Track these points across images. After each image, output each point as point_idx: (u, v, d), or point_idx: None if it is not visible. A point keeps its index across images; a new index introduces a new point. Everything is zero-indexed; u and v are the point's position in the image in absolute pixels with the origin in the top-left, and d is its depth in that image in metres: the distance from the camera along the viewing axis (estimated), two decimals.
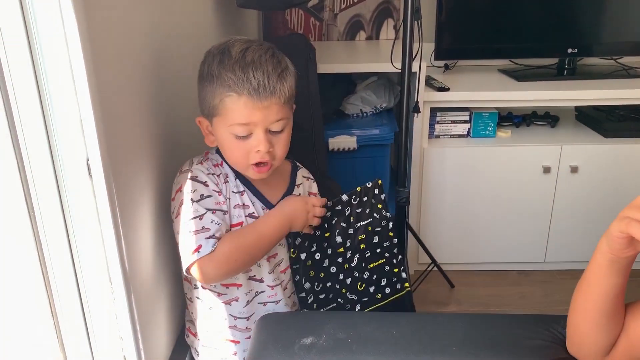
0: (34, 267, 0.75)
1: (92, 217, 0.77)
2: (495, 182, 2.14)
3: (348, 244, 1.14)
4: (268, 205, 1.08)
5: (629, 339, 0.79)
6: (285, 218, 1.04)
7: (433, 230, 2.21)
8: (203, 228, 0.95)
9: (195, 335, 1.12)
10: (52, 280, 0.77)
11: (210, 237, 0.95)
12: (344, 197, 1.12)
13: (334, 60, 2.09)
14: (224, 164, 1.06)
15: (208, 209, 0.97)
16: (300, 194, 1.15)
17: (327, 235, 1.13)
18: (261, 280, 1.09)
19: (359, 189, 1.10)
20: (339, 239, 1.13)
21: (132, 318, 0.84)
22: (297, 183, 1.16)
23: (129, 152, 0.89)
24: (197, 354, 1.12)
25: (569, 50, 2.18)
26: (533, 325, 0.91)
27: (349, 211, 1.13)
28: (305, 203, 1.07)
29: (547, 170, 2.09)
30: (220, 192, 1.01)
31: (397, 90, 2.24)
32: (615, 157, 2.08)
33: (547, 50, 2.24)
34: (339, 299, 1.12)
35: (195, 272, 0.95)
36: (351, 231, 1.14)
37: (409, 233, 2.00)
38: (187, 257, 0.95)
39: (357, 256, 1.14)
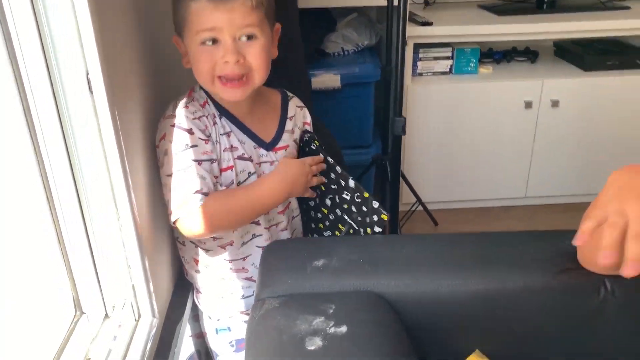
0: (37, 189, 0.71)
1: (94, 138, 0.72)
2: (478, 119, 2.14)
3: (331, 216, 1.11)
4: (260, 143, 1.02)
5: None
6: (286, 185, 0.99)
7: (417, 169, 2.21)
8: (188, 182, 0.90)
9: (195, 274, 1.09)
10: (57, 204, 0.73)
11: (196, 192, 0.90)
12: (351, 183, 1.05)
13: None
14: (210, 102, 0.99)
15: (194, 160, 0.91)
16: (292, 129, 1.09)
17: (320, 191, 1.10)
18: (257, 223, 1.05)
19: (366, 195, 1.03)
20: (328, 202, 1.10)
21: (140, 246, 0.81)
22: (289, 115, 1.09)
23: (126, 65, 0.83)
24: (198, 292, 1.10)
25: None
26: (541, 240, 0.92)
27: (348, 197, 1.06)
28: (303, 165, 1.02)
29: (528, 105, 2.10)
30: (207, 139, 0.94)
31: (378, 27, 2.20)
32: (595, 91, 2.10)
33: None
34: None
35: (180, 227, 0.91)
36: (338, 212, 1.10)
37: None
38: (173, 211, 0.91)
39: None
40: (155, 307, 0.89)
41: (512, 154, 2.20)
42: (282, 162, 1.02)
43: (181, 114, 0.93)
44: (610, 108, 2.12)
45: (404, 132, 1.32)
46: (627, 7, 2.15)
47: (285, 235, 1.11)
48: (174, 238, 1.08)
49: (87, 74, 0.69)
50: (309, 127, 1.14)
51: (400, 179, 2.09)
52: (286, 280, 0.87)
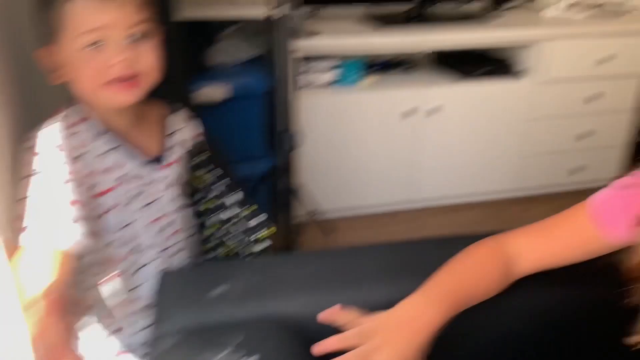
0: None
1: None
2: (364, 128, 2.19)
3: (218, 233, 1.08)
4: (148, 159, 0.95)
5: (541, 258, 0.81)
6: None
7: (308, 179, 2.20)
8: (26, 215, 0.80)
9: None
10: None
11: (24, 229, 0.80)
12: (237, 198, 1.01)
13: (194, 4, 1.95)
14: (85, 120, 0.89)
15: (38, 192, 0.81)
16: (181, 142, 1.02)
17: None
18: (147, 248, 0.97)
19: (250, 210, 0.99)
20: (214, 219, 1.06)
21: None
22: (177, 128, 1.03)
23: None
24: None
25: None
26: (439, 247, 0.94)
27: (234, 213, 1.03)
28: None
29: (410, 112, 2.19)
30: (71, 163, 0.84)
31: (262, 39, 2.17)
32: (471, 97, 2.24)
33: None
34: None
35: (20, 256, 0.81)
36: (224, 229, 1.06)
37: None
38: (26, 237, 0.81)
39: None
40: None
41: (398, 159, 2.28)
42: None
43: (42, 137, 0.83)
44: (486, 113, 2.27)
45: (293, 147, 1.30)
46: (490, 20, 2.32)
47: (181, 258, 1.04)
48: None
49: None
50: (199, 139, 1.09)
51: (294, 190, 2.08)
52: (185, 313, 0.81)
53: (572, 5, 2.48)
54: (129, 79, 0.84)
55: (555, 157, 2.45)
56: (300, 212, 2.20)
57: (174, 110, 1.05)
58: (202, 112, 1.83)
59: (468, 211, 2.41)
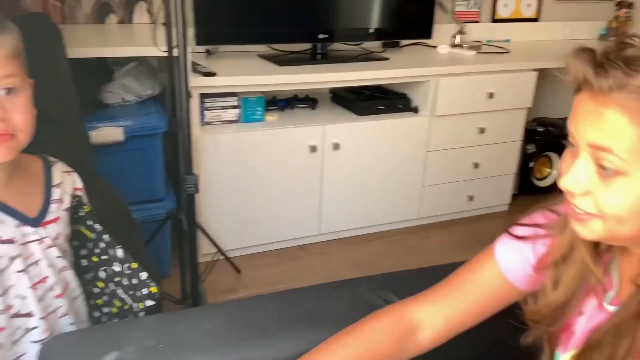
0: None
1: None
2: (268, 164, 2.19)
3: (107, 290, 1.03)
4: (24, 219, 0.88)
5: (449, 322, 0.78)
6: None
7: (213, 218, 2.16)
8: None
9: None
10: None
11: None
12: (119, 253, 0.98)
13: (85, 44, 1.87)
14: None
15: None
16: (61, 197, 0.96)
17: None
18: (30, 315, 0.90)
19: (135, 265, 0.96)
20: (102, 274, 1.01)
21: None
22: (54, 183, 0.97)
23: None
24: None
25: (320, 36, 2.35)
26: (340, 291, 0.95)
27: (120, 269, 0.99)
28: None
29: (313, 149, 2.23)
30: None
31: (160, 76, 2.12)
32: (368, 132, 2.32)
33: (301, 36, 2.37)
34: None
35: None
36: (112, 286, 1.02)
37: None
38: None
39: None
40: None
41: (303, 194, 2.30)
42: None
43: None
44: (382, 146, 2.36)
45: (196, 190, 1.27)
46: (387, 58, 2.43)
47: (67, 321, 0.97)
48: None
49: None
50: (80, 193, 1.03)
51: (198, 230, 2.03)
52: None
53: (458, 45, 2.67)
54: (1, 135, 0.78)
55: (453, 185, 2.59)
56: (206, 251, 2.15)
57: (51, 164, 0.98)
58: (98, 152, 1.77)
59: (374, 240, 2.47)
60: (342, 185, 2.34)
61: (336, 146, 2.26)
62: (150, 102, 2.02)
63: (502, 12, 2.94)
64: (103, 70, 2.02)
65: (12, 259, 0.86)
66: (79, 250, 1.04)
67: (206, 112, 2.11)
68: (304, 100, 2.42)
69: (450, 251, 2.44)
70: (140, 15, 2.27)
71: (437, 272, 1.10)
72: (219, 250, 2.11)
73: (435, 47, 2.67)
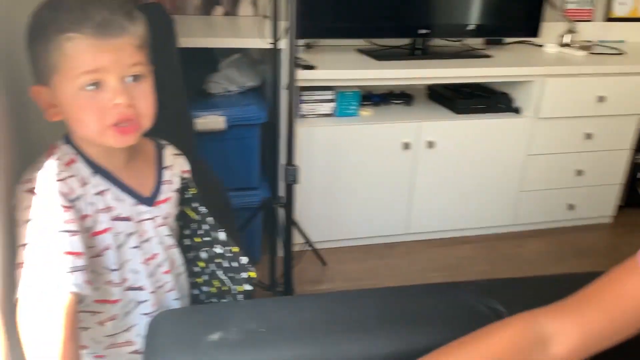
0: None
1: None
2: (360, 159, 2.18)
3: (207, 270, 1.07)
4: (140, 198, 0.93)
5: (586, 338, 0.69)
6: None
7: (303, 209, 2.19)
8: (25, 262, 0.77)
9: None
10: None
11: (28, 276, 0.76)
12: (222, 236, 1.00)
13: (194, 34, 1.95)
14: (80, 158, 0.87)
15: (39, 237, 0.77)
16: (171, 179, 1.00)
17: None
18: (141, 289, 0.94)
19: (235, 249, 0.98)
20: (204, 254, 1.05)
21: None
22: (165, 165, 1.01)
23: None
24: None
25: (420, 31, 2.30)
26: (440, 293, 0.92)
27: (221, 251, 1.02)
28: None
29: (407, 146, 2.19)
30: (70, 206, 0.81)
31: (261, 68, 2.18)
32: (466, 132, 2.25)
33: (400, 30, 2.33)
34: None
35: (20, 312, 0.76)
36: (212, 266, 1.05)
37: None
38: (21, 289, 0.76)
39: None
40: None
41: (393, 192, 2.27)
42: None
43: (40, 177, 0.81)
44: (480, 147, 2.27)
45: (296, 180, 1.28)
46: (490, 56, 2.34)
47: (172, 296, 1.01)
48: None
49: None
50: (187, 175, 1.07)
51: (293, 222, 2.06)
52: (178, 358, 0.78)
53: (567, 45, 2.51)
54: (128, 122, 0.83)
55: (553, 192, 2.45)
56: (294, 241, 2.18)
57: (162, 147, 1.03)
58: (200, 139, 1.84)
59: (462, 245, 2.40)
60: (434, 185, 2.29)
61: (431, 144, 2.21)
62: (250, 93, 2.08)
63: (618, 11, 2.74)
64: (209, 60, 2.10)
65: (129, 235, 0.91)
66: (182, 230, 1.08)
67: (303, 105, 2.14)
68: (399, 97, 2.39)
69: (546, 262, 2.31)
70: (245, 7, 2.33)
71: (545, 282, 1.05)
72: (307, 241, 2.13)
73: (541, 46, 2.53)
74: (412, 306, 0.89)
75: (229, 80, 2.05)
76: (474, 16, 2.38)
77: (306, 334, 0.81)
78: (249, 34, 2.08)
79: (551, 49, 2.50)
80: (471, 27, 2.38)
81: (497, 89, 2.39)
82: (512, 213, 2.44)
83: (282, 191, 2.02)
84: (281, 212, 1.93)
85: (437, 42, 2.44)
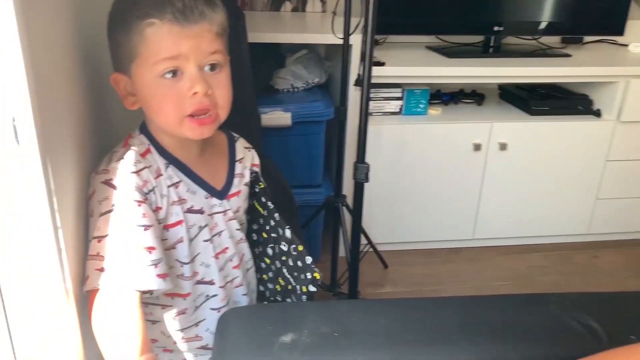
0: None
1: (20, 200, 0.58)
2: (427, 160, 2.11)
3: (273, 267, 1.03)
4: (212, 191, 0.91)
5: None
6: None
7: (365, 209, 2.12)
8: (97, 255, 0.76)
9: None
10: None
11: (100, 269, 0.75)
12: (288, 233, 0.96)
13: (263, 29, 1.94)
14: (154, 149, 0.86)
15: (116, 229, 0.77)
16: (242, 172, 0.98)
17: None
18: (211, 283, 0.92)
19: (300, 248, 0.94)
20: (269, 250, 1.02)
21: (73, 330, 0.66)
22: (238, 158, 0.99)
23: (58, 105, 0.70)
24: None
25: (495, 28, 2.20)
26: (526, 305, 0.85)
27: (286, 248, 0.98)
28: None
29: (477, 147, 2.10)
30: (143, 200, 0.79)
31: (327, 65, 2.14)
32: (541, 134, 2.13)
33: (474, 27, 2.24)
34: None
35: (98, 301, 0.75)
36: (278, 264, 1.02)
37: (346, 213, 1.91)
38: (102, 280, 0.75)
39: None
40: None
41: (461, 195, 2.18)
42: None
43: (117, 169, 0.80)
44: (555, 151, 2.15)
45: (367, 179, 1.24)
46: (568, 55, 2.21)
47: (241, 291, 0.99)
48: None
49: (14, 120, 0.55)
50: (257, 169, 1.04)
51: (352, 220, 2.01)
52: (248, 358, 0.75)
53: None
54: (205, 113, 0.81)
55: (632, 202, 2.29)
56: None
57: (235, 139, 1.01)
58: (265, 135, 1.83)
59: (532, 253, 2.27)
60: (504, 189, 2.18)
61: (503, 146, 2.10)
62: (316, 89, 2.05)
63: None
64: (276, 56, 2.08)
65: (201, 228, 0.89)
66: (250, 225, 1.06)
67: (370, 103, 2.08)
68: (470, 96, 2.30)
69: (624, 275, 2.16)
70: (313, 3, 2.31)
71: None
72: (369, 242, 2.08)
73: (626, 45, 2.37)
74: (497, 317, 0.82)
75: (295, 76, 2.02)
76: (551, 13, 2.25)
77: (382, 341, 0.77)
78: (317, 29, 2.05)
79: (636, 48, 2.34)
80: (548, 24, 2.26)
81: (576, 90, 2.25)
82: (587, 221, 2.30)
83: (345, 189, 1.99)
84: (344, 211, 1.89)
85: (510, 40, 2.33)
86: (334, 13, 1.97)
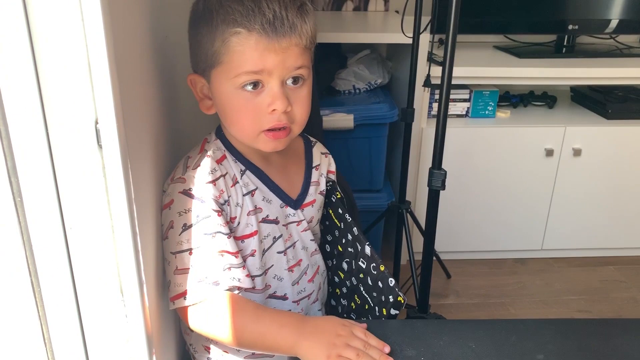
0: (20, 271, 0.53)
1: (100, 205, 0.54)
2: (495, 165, 2.01)
3: (348, 283, 0.97)
4: (287, 201, 0.86)
5: None
6: (315, 345, 0.71)
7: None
8: (192, 267, 0.74)
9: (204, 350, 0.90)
10: (44, 295, 0.55)
11: (200, 280, 0.74)
12: (367, 250, 0.90)
13: (325, 29, 1.89)
14: (229, 155, 0.82)
15: (202, 240, 0.74)
16: (318, 180, 0.93)
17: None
18: (284, 297, 0.88)
19: (382, 268, 0.87)
20: (344, 265, 0.96)
21: (149, 342, 0.62)
22: (314, 164, 0.93)
23: (139, 106, 0.67)
24: None
25: (570, 27, 2.07)
26: (629, 331, 0.76)
27: (364, 265, 0.92)
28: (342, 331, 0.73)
29: (549, 153, 1.98)
30: (220, 211, 0.76)
31: (389, 65, 2.07)
32: (619, 139, 1.99)
33: (546, 26, 2.13)
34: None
35: (192, 316, 0.75)
36: (354, 280, 0.96)
37: (410, 221, 1.84)
38: (173, 298, 0.75)
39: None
40: None
41: (530, 203, 2.06)
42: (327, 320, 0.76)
43: (194, 177, 0.76)
44: (634, 158, 2.01)
45: (443, 186, 1.16)
46: None
47: (316, 308, 0.94)
48: (179, 322, 0.90)
49: (97, 122, 0.52)
50: (333, 177, 0.99)
51: (415, 226, 1.94)
52: None
53: None
54: (282, 128, 0.76)
55: None
56: (417, 250, 2.05)
57: (312, 144, 0.96)
58: (326, 138, 1.78)
59: (606, 266, 2.13)
60: (578, 197, 2.05)
61: (577, 152, 1.98)
62: (379, 90, 1.98)
63: None
64: (338, 55, 2.03)
65: (275, 239, 0.84)
66: (324, 235, 1.00)
67: (434, 104, 2.00)
68: (540, 98, 2.18)
69: None
70: (375, 2, 2.24)
71: None
72: (434, 251, 1.99)
73: None
74: (595, 344, 0.73)
75: (356, 77, 1.97)
76: (628, 10, 2.10)
77: None
78: (380, 29, 1.99)
79: None
80: (625, 22, 2.11)
81: None
82: None
83: (408, 195, 1.92)
84: (408, 218, 1.81)
85: (584, 39, 2.19)
86: (399, 12, 1.91)
